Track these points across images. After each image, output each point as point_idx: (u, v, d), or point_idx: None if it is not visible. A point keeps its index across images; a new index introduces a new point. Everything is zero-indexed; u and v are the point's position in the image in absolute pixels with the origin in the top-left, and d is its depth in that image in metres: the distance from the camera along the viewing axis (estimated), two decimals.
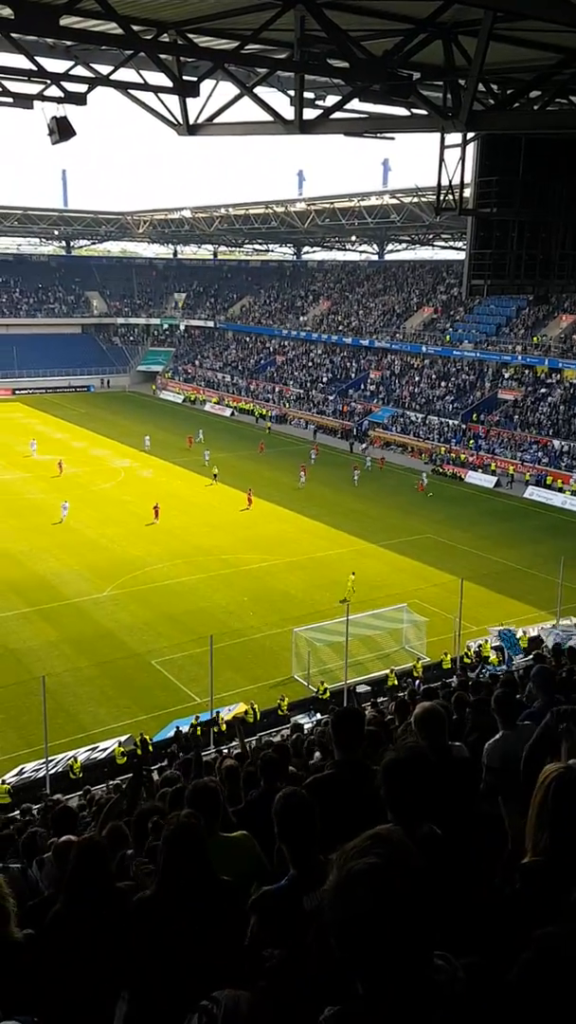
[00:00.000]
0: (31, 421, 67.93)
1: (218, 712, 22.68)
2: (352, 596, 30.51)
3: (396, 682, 24.54)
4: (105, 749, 21.53)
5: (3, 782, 19.32)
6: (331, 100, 12.53)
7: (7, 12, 9.35)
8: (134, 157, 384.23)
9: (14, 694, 23.85)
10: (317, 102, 12.97)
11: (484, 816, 4.84)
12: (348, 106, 12.15)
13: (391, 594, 31.44)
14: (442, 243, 73.09)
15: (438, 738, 4.50)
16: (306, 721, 21.05)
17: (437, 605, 30.27)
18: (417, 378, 66.99)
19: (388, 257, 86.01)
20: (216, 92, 12.90)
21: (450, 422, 59.85)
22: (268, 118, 12.39)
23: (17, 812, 15.77)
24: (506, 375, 61.58)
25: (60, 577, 33.81)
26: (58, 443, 59.03)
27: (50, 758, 19.93)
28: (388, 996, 1.29)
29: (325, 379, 73.50)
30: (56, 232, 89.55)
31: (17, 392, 79.60)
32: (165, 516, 40.70)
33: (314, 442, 60.30)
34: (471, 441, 56.70)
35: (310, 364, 77.02)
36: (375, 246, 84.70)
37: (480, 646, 26.60)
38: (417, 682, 23.73)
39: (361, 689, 24.47)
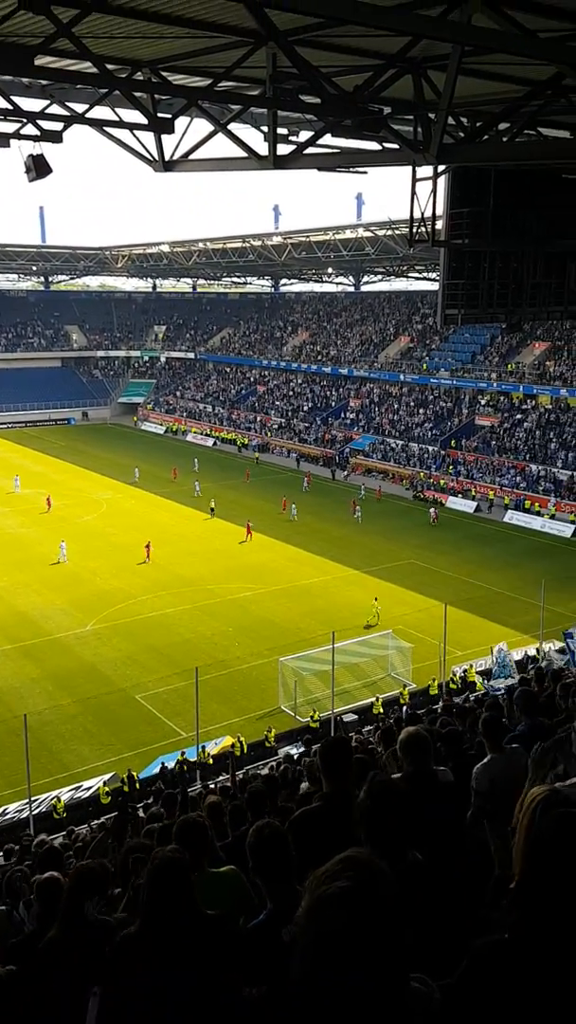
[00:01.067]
0: (10, 455, 67.68)
1: (204, 747, 22.41)
2: (376, 621, 31.26)
3: (381, 710, 24.39)
4: (89, 788, 21.18)
5: None
6: (304, 135, 12.71)
7: None
8: (111, 193, 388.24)
9: None
10: (291, 138, 13.17)
11: (472, 841, 4.79)
12: (321, 141, 12.34)
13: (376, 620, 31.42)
14: (416, 274, 74.30)
15: (423, 763, 4.47)
16: (295, 752, 20.84)
17: (422, 631, 30.25)
18: (396, 406, 67.58)
19: (364, 288, 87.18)
20: (191, 128, 13.09)
21: (429, 448, 60.31)
22: (242, 154, 12.57)
23: (0, 854, 15.41)
24: (482, 402, 62.29)
25: (41, 612, 33.46)
26: (39, 476, 58.78)
27: (33, 798, 19.57)
28: (364, 1020, 1.27)
29: (306, 408, 73.96)
30: (34, 268, 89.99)
31: None
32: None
33: (307, 472, 60.34)
34: (450, 467, 57.13)
35: (291, 393, 77.53)
36: (351, 278, 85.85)
37: (465, 671, 26.55)
38: (404, 708, 23.59)
39: (348, 718, 24.30)
